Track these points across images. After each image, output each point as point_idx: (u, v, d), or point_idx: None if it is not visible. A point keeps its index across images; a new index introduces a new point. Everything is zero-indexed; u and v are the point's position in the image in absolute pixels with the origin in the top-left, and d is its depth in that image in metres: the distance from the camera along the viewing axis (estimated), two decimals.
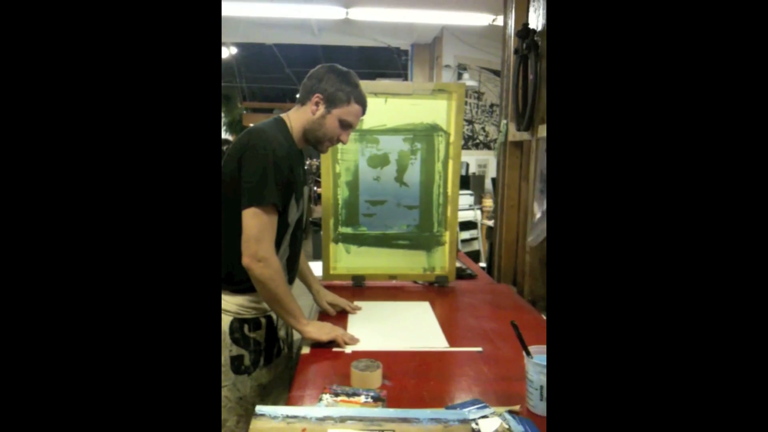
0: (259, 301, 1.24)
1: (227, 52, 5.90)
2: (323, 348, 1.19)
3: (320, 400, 0.88)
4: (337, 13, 3.73)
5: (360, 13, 3.75)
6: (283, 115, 1.29)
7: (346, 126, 1.27)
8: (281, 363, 1.32)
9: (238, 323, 1.21)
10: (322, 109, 1.24)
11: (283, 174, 1.16)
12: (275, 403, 1.27)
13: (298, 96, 1.29)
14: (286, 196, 1.20)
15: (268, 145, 1.15)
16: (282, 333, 1.32)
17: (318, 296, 1.50)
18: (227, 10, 3.60)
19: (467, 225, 3.93)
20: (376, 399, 0.89)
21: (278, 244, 1.23)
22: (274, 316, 1.28)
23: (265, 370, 1.26)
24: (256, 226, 1.13)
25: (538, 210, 1.66)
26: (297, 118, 1.27)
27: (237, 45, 5.91)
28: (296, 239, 1.31)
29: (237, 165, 1.15)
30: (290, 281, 1.32)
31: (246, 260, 1.14)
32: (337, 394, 0.90)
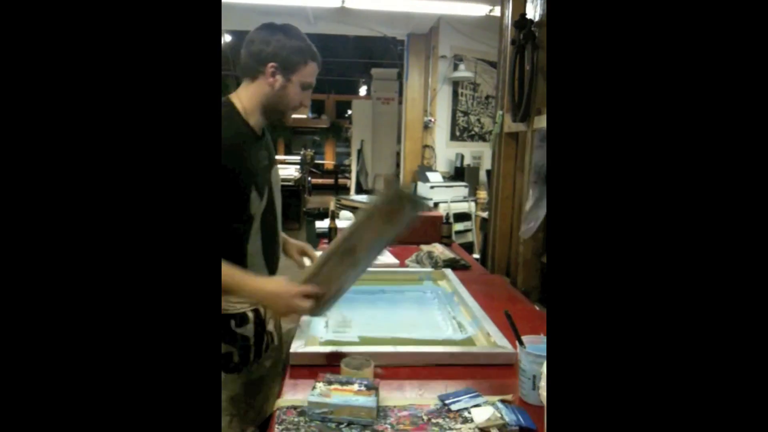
0: None
1: (222, 40, 5.84)
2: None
3: (314, 388, 0.88)
4: (333, 1, 3.69)
5: (356, 2, 3.71)
6: (231, 97, 1.14)
7: (307, 87, 1.15)
8: (270, 356, 1.25)
9: (223, 319, 1.12)
10: (280, 78, 1.10)
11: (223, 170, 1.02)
12: (266, 399, 1.22)
13: (241, 70, 1.13)
14: (236, 190, 1.08)
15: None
16: (271, 326, 1.23)
17: (286, 247, 1.35)
18: None
19: (461, 216, 3.94)
20: (370, 387, 0.89)
21: (246, 239, 1.14)
22: (262, 309, 1.19)
23: (255, 366, 1.20)
24: None
25: (530, 201, 1.66)
26: (251, 95, 1.12)
27: (231, 33, 5.85)
28: (268, 227, 1.20)
29: None
30: (272, 272, 1.23)
31: None
32: (330, 383, 0.90)
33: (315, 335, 1.20)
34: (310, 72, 1.13)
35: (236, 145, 1.08)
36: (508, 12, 1.87)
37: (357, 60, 8.02)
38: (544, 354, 0.88)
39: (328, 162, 12.21)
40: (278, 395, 0.96)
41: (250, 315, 1.16)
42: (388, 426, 0.83)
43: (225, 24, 4.85)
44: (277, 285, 1.06)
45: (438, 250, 2.08)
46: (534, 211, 1.63)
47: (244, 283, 1.05)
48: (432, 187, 3.93)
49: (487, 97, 4.75)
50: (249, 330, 1.16)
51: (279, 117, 1.16)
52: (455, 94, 4.61)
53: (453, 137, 4.70)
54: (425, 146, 4.64)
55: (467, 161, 4.61)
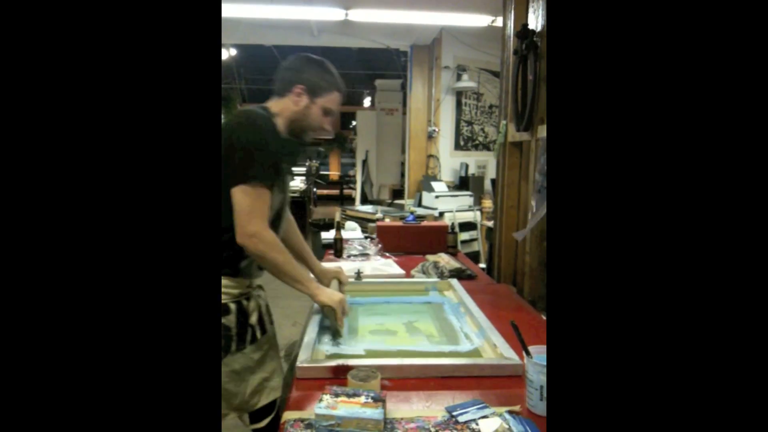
0: (231, 287, 1.24)
1: (226, 53, 5.91)
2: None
3: (320, 401, 0.88)
4: (336, 14, 3.73)
5: (359, 15, 3.75)
6: (266, 105, 1.29)
7: (329, 113, 1.30)
8: (259, 350, 1.30)
9: None
10: (305, 99, 1.26)
11: (271, 155, 1.18)
12: (258, 391, 1.30)
13: (274, 87, 1.30)
14: (273, 177, 1.21)
15: (257, 126, 1.18)
16: (254, 320, 1.30)
17: (322, 277, 1.51)
18: (226, 11, 3.60)
19: (467, 226, 3.93)
20: (377, 399, 0.89)
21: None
22: (245, 302, 1.28)
23: (238, 355, 1.25)
24: (245, 203, 1.15)
25: (533, 208, 1.66)
26: (279, 109, 1.27)
27: (236, 46, 5.92)
28: (275, 227, 1.29)
29: (228, 146, 1.16)
30: (261, 267, 1.31)
31: (239, 238, 1.15)
32: (337, 395, 0.90)
33: (321, 348, 1.20)
34: (332, 100, 1.29)
35: (275, 139, 1.21)
36: (510, 22, 1.88)
37: (361, 72, 8.08)
38: None
39: (333, 173, 12.24)
40: (287, 403, 0.96)
41: (232, 306, 1.25)
42: None
43: (231, 38, 4.91)
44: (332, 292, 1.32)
45: (443, 260, 2.08)
46: (535, 217, 1.63)
47: (309, 280, 1.29)
48: (437, 197, 3.93)
49: (490, 107, 4.77)
50: (230, 320, 1.24)
51: (300, 134, 1.31)
52: (459, 104, 4.63)
53: (457, 147, 4.71)
54: (429, 156, 4.65)
55: (472, 170, 4.62)
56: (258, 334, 1.31)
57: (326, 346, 1.21)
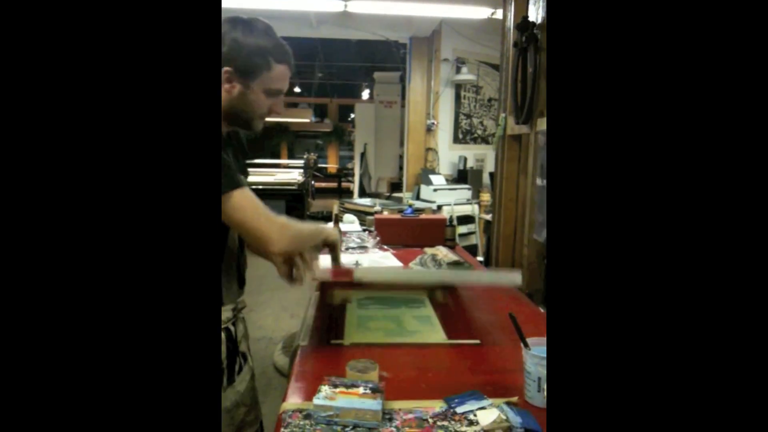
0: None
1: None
2: (321, 346, 1.20)
3: (319, 391, 0.89)
4: (335, 5, 3.71)
5: (358, 6, 3.73)
6: None
7: (274, 94, 0.97)
8: (243, 380, 1.12)
9: None
10: (237, 85, 0.93)
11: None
12: (242, 428, 1.12)
13: None
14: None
15: None
16: (244, 347, 1.13)
17: None
18: (224, 2, 3.58)
19: (465, 219, 3.94)
20: (375, 390, 0.89)
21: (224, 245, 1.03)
22: (232, 328, 1.08)
23: (229, 391, 1.06)
24: (247, 204, 0.90)
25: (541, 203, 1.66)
26: None
27: None
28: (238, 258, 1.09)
29: None
30: (242, 285, 1.12)
31: (276, 247, 0.91)
32: (335, 386, 0.90)
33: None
34: (277, 77, 0.95)
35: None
36: (510, 15, 1.88)
37: (359, 64, 8.05)
38: None
39: (331, 165, 12.23)
40: (284, 399, 0.96)
41: (222, 335, 1.04)
42: (394, 429, 0.83)
43: None
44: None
45: (442, 252, 2.08)
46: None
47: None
48: (435, 190, 3.94)
49: (489, 100, 4.76)
50: (221, 351, 1.04)
51: (245, 126, 1.01)
52: (458, 97, 4.63)
53: (456, 140, 4.71)
54: (428, 149, 4.65)
55: (470, 164, 4.62)
56: (249, 360, 1.15)
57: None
